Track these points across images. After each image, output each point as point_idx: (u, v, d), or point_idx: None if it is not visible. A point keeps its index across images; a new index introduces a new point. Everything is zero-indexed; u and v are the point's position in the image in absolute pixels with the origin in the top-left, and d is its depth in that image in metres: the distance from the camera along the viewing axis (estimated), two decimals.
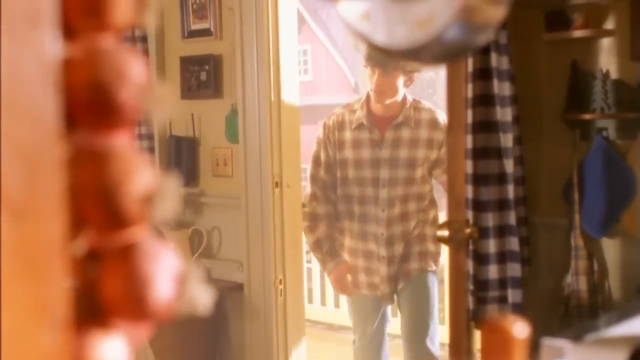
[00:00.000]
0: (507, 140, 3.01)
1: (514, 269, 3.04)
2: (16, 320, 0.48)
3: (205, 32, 4.04)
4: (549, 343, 1.16)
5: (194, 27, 4.10)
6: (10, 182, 0.47)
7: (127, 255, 0.54)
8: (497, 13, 0.86)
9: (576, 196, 3.29)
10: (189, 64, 4.11)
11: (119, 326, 0.56)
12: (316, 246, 3.71)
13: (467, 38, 0.87)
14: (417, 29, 0.85)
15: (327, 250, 3.70)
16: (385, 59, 3.34)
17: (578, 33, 3.23)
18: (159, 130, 4.20)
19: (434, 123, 3.64)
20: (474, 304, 3.03)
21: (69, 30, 0.53)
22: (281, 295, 3.92)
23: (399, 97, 3.61)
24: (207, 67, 4.04)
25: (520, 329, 0.64)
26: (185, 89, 4.14)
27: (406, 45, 0.86)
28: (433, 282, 3.73)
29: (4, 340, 0.48)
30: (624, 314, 1.24)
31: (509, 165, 3.02)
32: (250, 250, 3.96)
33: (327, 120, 3.75)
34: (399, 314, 3.85)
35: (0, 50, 0.47)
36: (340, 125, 3.70)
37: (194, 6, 4.06)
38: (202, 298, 0.57)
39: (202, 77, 4.07)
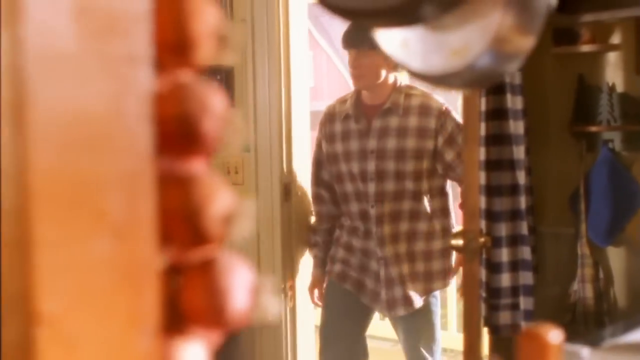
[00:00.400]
0: (519, 152, 3.07)
1: (526, 277, 3.10)
2: (117, 328, 0.54)
3: None
4: (567, 349, 1.21)
5: None
6: (113, 206, 0.53)
7: (207, 269, 0.60)
8: (526, 43, 0.92)
9: (582, 206, 3.35)
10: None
11: (197, 333, 0.61)
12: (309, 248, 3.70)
13: (497, 66, 0.93)
14: (453, 57, 0.90)
15: (314, 256, 3.68)
16: (360, 38, 3.24)
17: (585, 48, 3.30)
18: None
19: (425, 109, 3.32)
20: (486, 311, 3.09)
21: (158, 67, 0.58)
22: (291, 301, 3.96)
23: (386, 81, 3.35)
24: (218, 78, 4.10)
25: (555, 335, 0.70)
26: None
27: (441, 72, 0.92)
28: (437, 310, 3.51)
29: (108, 346, 0.53)
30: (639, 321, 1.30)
31: (522, 177, 3.08)
32: (260, 257, 4.01)
33: (322, 116, 3.59)
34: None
35: (105, 88, 0.52)
36: (330, 118, 3.51)
37: None
38: (273, 308, 0.63)
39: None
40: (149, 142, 0.55)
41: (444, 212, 3.41)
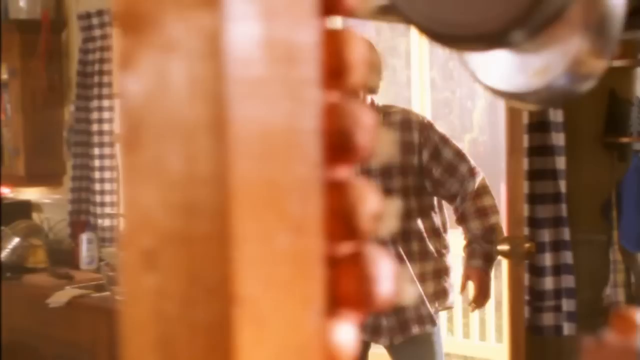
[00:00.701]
0: (561, 162, 3.19)
1: (568, 281, 3.21)
2: (295, 308, 0.63)
3: None
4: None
5: None
6: (292, 206, 0.63)
7: (358, 260, 0.70)
8: (601, 65, 1.02)
9: (614, 214, 3.46)
10: None
11: (347, 315, 0.71)
12: None
13: (573, 86, 1.03)
14: (534, 77, 1.00)
15: None
16: None
17: (616, 63, 3.39)
18: None
19: (406, 124, 3.22)
20: (530, 313, 3.20)
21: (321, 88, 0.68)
22: None
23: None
24: None
25: None
26: None
27: (521, 91, 1.02)
28: (436, 331, 3.37)
29: (288, 323, 0.63)
30: None
31: (563, 186, 3.19)
32: None
33: None
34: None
35: (287, 107, 0.62)
36: None
37: None
38: (409, 293, 0.73)
39: None
40: (318, 153, 0.65)
41: (435, 232, 3.31)
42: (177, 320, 0.59)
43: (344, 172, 0.70)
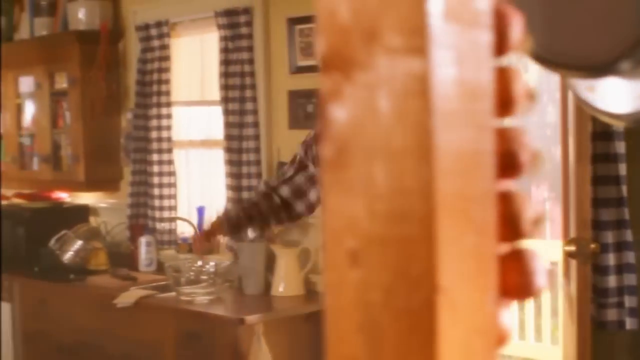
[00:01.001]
0: (622, 169, 3.35)
1: (630, 279, 3.41)
2: (478, 296, 0.77)
3: (312, 69, 4.36)
4: None
5: (301, 63, 4.44)
6: (476, 213, 0.77)
7: (520, 257, 0.84)
8: None
9: None
10: (296, 97, 4.45)
11: (509, 303, 0.85)
12: None
13: None
14: (636, 101, 1.14)
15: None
16: None
17: None
18: (267, 157, 4.53)
19: None
20: (594, 309, 3.38)
21: None
22: None
23: None
24: (313, 100, 4.36)
25: None
26: (293, 120, 4.48)
27: (620, 112, 1.16)
28: None
29: (473, 307, 0.77)
30: None
31: (625, 190, 3.36)
32: None
33: (307, 137, 3.59)
34: None
35: (472, 134, 0.77)
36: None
37: (302, 44, 4.40)
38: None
39: (309, 109, 4.39)
40: (493, 170, 0.80)
41: None
42: (381, 307, 0.70)
43: (509, 184, 0.84)
